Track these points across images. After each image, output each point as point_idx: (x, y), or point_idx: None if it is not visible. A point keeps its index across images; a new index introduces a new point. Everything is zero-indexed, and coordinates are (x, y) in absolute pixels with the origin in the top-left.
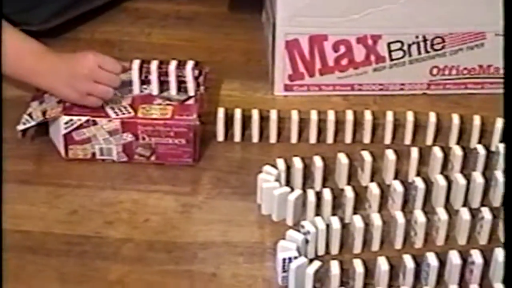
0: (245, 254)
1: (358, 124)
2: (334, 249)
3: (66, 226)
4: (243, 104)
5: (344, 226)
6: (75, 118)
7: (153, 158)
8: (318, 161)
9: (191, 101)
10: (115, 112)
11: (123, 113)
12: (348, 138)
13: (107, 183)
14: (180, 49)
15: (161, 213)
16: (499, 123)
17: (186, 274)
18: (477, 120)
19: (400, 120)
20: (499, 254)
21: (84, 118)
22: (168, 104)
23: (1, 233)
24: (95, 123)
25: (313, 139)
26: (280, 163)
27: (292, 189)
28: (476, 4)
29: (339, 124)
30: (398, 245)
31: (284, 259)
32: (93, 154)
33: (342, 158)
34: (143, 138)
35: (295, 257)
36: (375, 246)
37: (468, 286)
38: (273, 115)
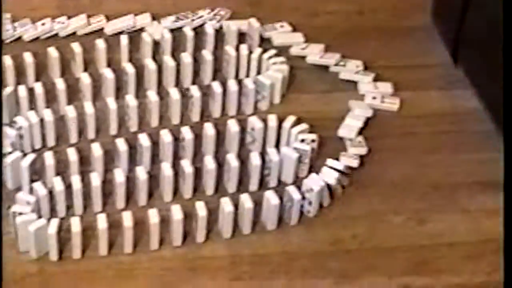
0: None
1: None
2: (51, 141)
3: None
4: None
5: (59, 119)
6: None
7: None
8: (28, 57)
9: None
10: None
11: None
12: (61, 32)
13: None
14: None
15: None
16: None
17: None
18: None
19: None
20: (208, 128)
21: None
22: None
23: (1, 235)
24: None
25: (26, 36)
26: None
27: (5, 87)
28: None
29: None
30: (113, 131)
31: None
32: None
33: (52, 52)
34: None
35: (10, 153)
36: (91, 134)
37: (180, 161)
38: None
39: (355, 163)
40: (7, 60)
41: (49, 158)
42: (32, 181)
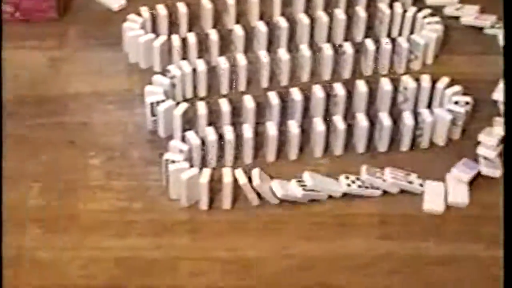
0: (115, 102)
1: None
2: (202, 91)
3: None
4: None
5: (211, 70)
6: None
7: (17, 14)
8: (182, 7)
9: None
10: None
11: None
12: None
13: None
14: None
15: (30, 68)
16: None
17: (58, 126)
18: None
19: None
20: (360, 85)
21: None
22: None
23: (1, 233)
24: None
25: None
26: (144, 11)
27: (158, 36)
28: None
29: None
30: (264, 84)
31: (152, 103)
32: None
33: (206, 3)
34: None
35: (163, 101)
36: (242, 86)
37: (332, 117)
38: None
39: None
40: (161, 10)
41: (201, 107)
42: (184, 130)
